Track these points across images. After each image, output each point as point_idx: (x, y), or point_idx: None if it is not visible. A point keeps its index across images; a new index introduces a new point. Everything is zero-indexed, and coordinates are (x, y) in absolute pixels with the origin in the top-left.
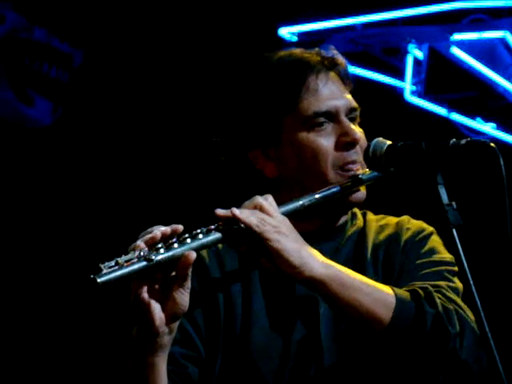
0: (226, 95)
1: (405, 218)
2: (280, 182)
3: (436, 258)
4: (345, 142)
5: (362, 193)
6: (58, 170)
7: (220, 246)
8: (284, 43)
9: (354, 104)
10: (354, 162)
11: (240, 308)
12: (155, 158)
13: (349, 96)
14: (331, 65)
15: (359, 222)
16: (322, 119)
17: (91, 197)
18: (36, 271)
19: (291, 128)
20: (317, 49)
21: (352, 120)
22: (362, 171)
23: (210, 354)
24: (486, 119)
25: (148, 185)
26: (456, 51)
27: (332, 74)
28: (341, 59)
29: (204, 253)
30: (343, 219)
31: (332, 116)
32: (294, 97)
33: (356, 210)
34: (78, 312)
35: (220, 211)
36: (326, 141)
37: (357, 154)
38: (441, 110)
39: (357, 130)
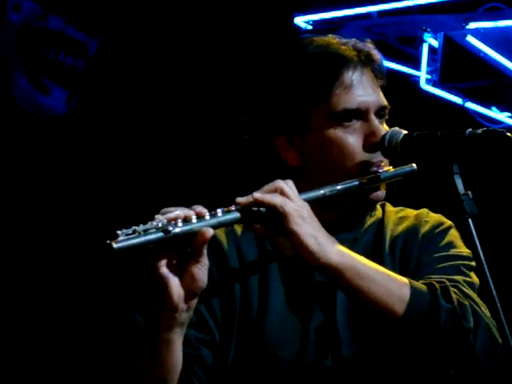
0: (258, 78)
1: (424, 210)
2: (301, 171)
3: (453, 252)
4: (372, 143)
5: (381, 192)
6: (73, 159)
7: (239, 234)
8: (299, 32)
9: (385, 102)
10: (379, 165)
11: (256, 295)
12: (169, 147)
13: (380, 94)
14: (367, 60)
15: (378, 213)
16: (351, 116)
17: (106, 183)
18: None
19: (319, 120)
20: (354, 40)
21: (380, 117)
22: (385, 169)
23: (225, 339)
24: (502, 108)
25: (163, 172)
26: (471, 40)
27: (367, 70)
28: (377, 55)
29: (223, 240)
30: (366, 213)
31: (362, 114)
32: (326, 90)
33: (377, 204)
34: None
35: (240, 199)
36: (353, 138)
37: (380, 154)
38: (456, 99)
39: (384, 129)
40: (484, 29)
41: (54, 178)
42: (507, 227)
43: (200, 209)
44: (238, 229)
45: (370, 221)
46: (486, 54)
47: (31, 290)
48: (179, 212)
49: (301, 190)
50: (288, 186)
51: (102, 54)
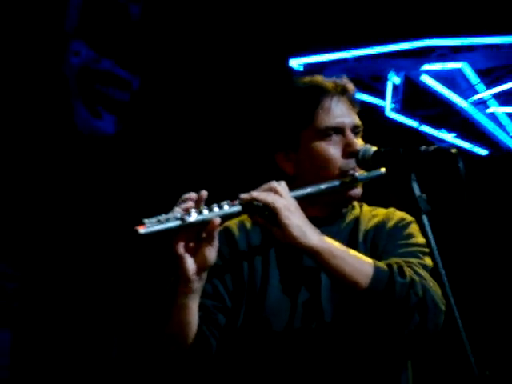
0: (261, 109)
1: (391, 209)
2: (296, 178)
3: (412, 241)
4: (348, 152)
5: (358, 189)
6: (120, 171)
7: (248, 226)
8: (293, 72)
9: (358, 122)
10: (354, 168)
11: (260, 274)
12: (193, 160)
13: (354, 115)
14: (343, 90)
15: (356, 211)
16: (331, 132)
17: (147, 190)
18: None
19: (307, 138)
20: (333, 77)
21: (356, 134)
22: (359, 172)
23: (235, 307)
24: (449, 130)
25: (186, 176)
26: (425, 78)
27: (343, 98)
28: (351, 87)
29: (235, 230)
30: (344, 209)
31: (340, 130)
32: (311, 114)
33: (355, 202)
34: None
35: (242, 195)
36: (333, 149)
37: (354, 162)
38: (413, 123)
39: (358, 143)
40: (434, 70)
41: (104, 185)
42: (453, 222)
43: (202, 192)
44: (248, 222)
45: (349, 217)
46: (436, 90)
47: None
48: (193, 203)
49: (292, 190)
50: (280, 186)
51: (142, 88)
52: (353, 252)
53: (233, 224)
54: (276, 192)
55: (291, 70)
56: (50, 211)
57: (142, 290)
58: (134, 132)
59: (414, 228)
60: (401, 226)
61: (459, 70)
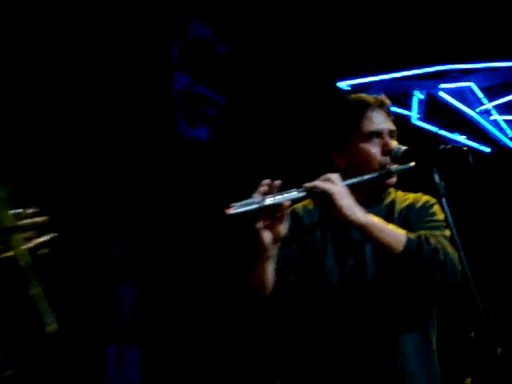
0: (320, 120)
1: (419, 194)
2: (346, 171)
3: (435, 217)
4: (385, 150)
5: (393, 179)
6: (211, 167)
7: (310, 207)
8: (341, 91)
9: (393, 128)
10: (389, 163)
11: (319, 243)
12: (268, 159)
13: (390, 123)
14: (381, 104)
15: (392, 195)
16: (373, 136)
17: (232, 181)
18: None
19: (355, 140)
20: (374, 94)
21: (391, 137)
22: (394, 166)
23: (301, 269)
24: (460, 133)
25: (264, 171)
26: (442, 94)
27: (381, 109)
28: (386, 101)
29: (300, 212)
30: (383, 194)
31: (379, 134)
32: (357, 122)
33: (392, 189)
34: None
35: (306, 184)
36: (374, 149)
37: (392, 158)
38: (433, 129)
39: (393, 144)
40: (449, 88)
41: (199, 178)
42: (465, 204)
43: (277, 182)
44: (310, 205)
45: (387, 200)
46: (451, 103)
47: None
48: (268, 190)
49: (344, 180)
50: (335, 176)
51: (227, 105)
52: (390, 226)
53: (298, 206)
54: (331, 181)
55: (340, 89)
56: (161, 197)
57: (230, 258)
58: (221, 138)
59: (436, 208)
60: (426, 206)
61: (468, 88)
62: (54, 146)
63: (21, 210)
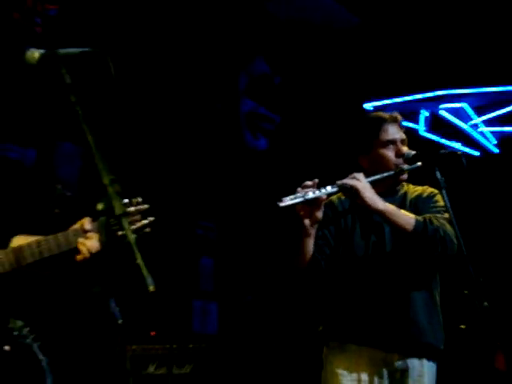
0: (351, 132)
1: (425, 187)
2: (369, 170)
3: (437, 204)
4: (398, 154)
5: (405, 176)
6: (270, 171)
7: (342, 198)
8: (366, 110)
9: (404, 137)
10: (402, 163)
11: (349, 224)
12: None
13: (402, 133)
14: (394, 119)
15: (405, 188)
16: (389, 143)
17: (286, 180)
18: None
19: (375, 146)
20: (390, 112)
21: (403, 144)
22: (405, 166)
23: (336, 245)
24: (456, 141)
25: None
26: (442, 112)
27: (395, 124)
28: (399, 117)
29: (336, 202)
30: (398, 187)
31: (393, 142)
32: (377, 133)
33: (404, 183)
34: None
35: (338, 181)
36: (390, 153)
37: (403, 160)
38: (436, 138)
39: (405, 149)
40: (447, 107)
41: (261, 179)
42: (460, 194)
43: (314, 180)
44: (342, 197)
45: (401, 192)
46: (448, 119)
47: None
48: (309, 183)
49: (367, 177)
50: (360, 175)
51: (282, 122)
52: (403, 211)
53: (334, 198)
54: (357, 179)
55: (365, 109)
56: (232, 191)
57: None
58: (277, 147)
59: (438, 197)
60: (431, 196)
61: (461, 108)
62: (155, 154)
63: (127, 201)
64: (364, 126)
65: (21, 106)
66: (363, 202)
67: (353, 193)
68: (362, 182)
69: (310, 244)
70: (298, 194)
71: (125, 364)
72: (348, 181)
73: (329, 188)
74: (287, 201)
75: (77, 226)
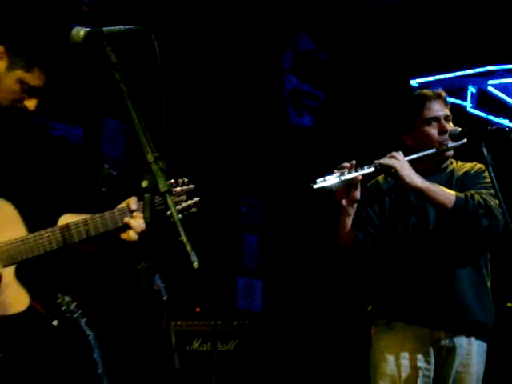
0: (396, 110)
1: (474, 163)
2: (414, 148)
3: (484, 181)
4: (442, 131)
5: (450, 152)
6: (313, 149)
7: (389, 179)
8: (411, 87)
9: (449, 113)
10: (446, 140)
11: (394, 203)
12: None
13: (446, 110)
14: (438, 96)
15: (453, 165)
16: (432, 120)
17: (326, 160)
18: None
19: (419, 124)
20: (437, 89)
21: (447, 121)
22: (450, 143)
23: (381, 223)
24: (504, 117)
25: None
26: (490, 88)
27: (439, 100)
28: (443, 93)
29: (381, 181)
30: (445, 164)
31: (437, 118)
32: (420, 110)
33: (452, 159)
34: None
35: (377, 161)
36: (433, 130)
37: (448, 136)
38: (483, 114)
39: (449, 126)
40: (496, 84)
41: (301, 158)
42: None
43: (352, 162)
44: (388, 177)
45: (448, 168)
46: (496, 95)
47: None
48: (346, 165)
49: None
50: (398, 153)
51: (326, 99)
52: (441, 187)
53: (380, 178)
54: (395, 157)
55: (411, 86)
56: (276, 170)
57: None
58: (322, 124)
59: (485, 174)
60: (478, 172)
61: (510, 83)
62: (201, 132)
63: (173, 181)
64: (407, 104)
65: (66, 83)
66: (401, 180)
67: (391, 172)
68: (399, 161)
69: (349, 223)
70: (333, 175)
71: (170, 340)
72: (385, 160)
73: (366, 168)
74: (320, 182)
75: (123, 205)
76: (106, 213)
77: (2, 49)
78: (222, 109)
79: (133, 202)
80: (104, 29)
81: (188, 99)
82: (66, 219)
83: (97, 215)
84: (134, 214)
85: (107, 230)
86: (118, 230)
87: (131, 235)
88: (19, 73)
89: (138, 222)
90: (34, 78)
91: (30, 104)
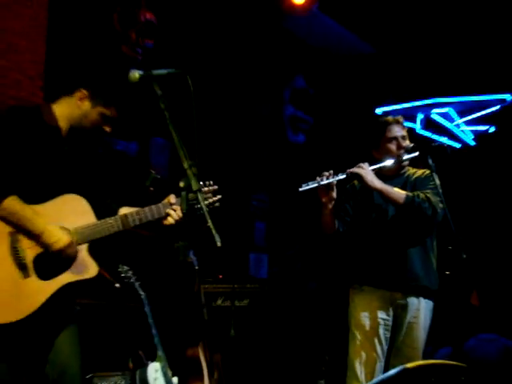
0: (365, 132)
1: (424, 169)
2: (379, 159)
3: (430, 183)
4: (400, 147)
5: (406, 162)
6: (307, 160)
7: (357, 182)
8: (376, 114)
9: (405, 134)
10: (403, 153)
11: (361, 198)
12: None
13: (403, 131)
14: (397, 121)
15: (409, 171)
16: (392, 139)
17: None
18: None
19: (383, 142)
20: (394, 115)
21: (403, 139)
22: (406, 155)
23: (354, 214)
24: (444, 136)
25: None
26: (434, 115)
27: (397, 124)
28: (401, 119)
29: (356, 183)
30: (402, 170)
31: (396, 138)
32: (384, 131)
33: (409, 167)
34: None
35: (348, 170)
36: (393, 146)
37: (403, 151)
38: (428, 134)
39: (406, 143)
40: (438, 112)
41: (298, 168)
42: (445, 176)
43: (330, 171)
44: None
45: (405, 174)
46: (438, 120)
47: None
48: (325, 173)
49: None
50: (364, 164)
51: (315, 123)
52: (396, 189)
53: (355, 182)
54: (361, 167)
55: (376, 114)
56: (277, 175)
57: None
58: (312, 142)
59: (432, 178)
60: (427, 177)
61: (447, 112)
62: (222, 147)
63: (202, 183)
64: (374, 127)
65: (125, 110)
66: (365, 183)
67: (358, 177)
68: (364, 169)
69: (329, 215)
70: (315, 181)
71: (200, 298)
72: (354, 169)
73: (340, 175)
74: (305, 186)
75: (165, 200)
76: (153, 206)
77: (87, 92)
78: (238, 129)
79: (172, 198)
80: (153, 71)
81: (213, 122)
82: (123, 210)
83: (146, 208)
84: (174, 206)
85: (154, 218)
86: (161, 218)
87: (171, 221)
88: (100, 108)
89: (176, 213)
90: (110, 112)
91: (108, 129)
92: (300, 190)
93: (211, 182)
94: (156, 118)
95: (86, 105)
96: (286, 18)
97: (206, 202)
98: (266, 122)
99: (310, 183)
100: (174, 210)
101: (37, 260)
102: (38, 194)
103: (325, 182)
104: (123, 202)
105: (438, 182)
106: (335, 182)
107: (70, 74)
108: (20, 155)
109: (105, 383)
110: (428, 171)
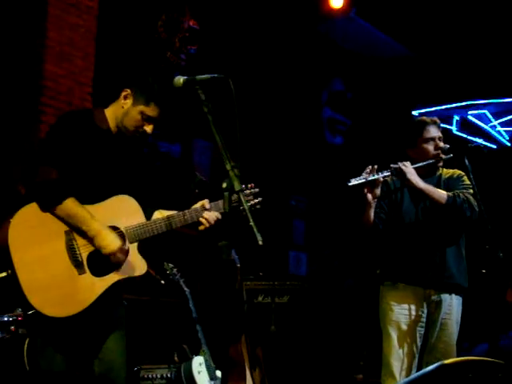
0: (403, 133)
1: (456, 170)
2: (415, 159)
3: (465, 183)
4: (437, 147)
5: (441, 163)
6: (344, 160)
7: (394, 179)
8: (413, 116)
9: (441, 135)
10: (440, 154)
11: (399, 197)
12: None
13: (439, 132)
14: (434, 122)
15: (440, 171)
16: (429, 139)
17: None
18: None
19: (420, 142)
20: (431, 117)
21: (440, 140)
22: (442, 156)
23: (389, 211)
24: (479, 137)
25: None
26: (470, 117)
27: (434, 125)
28: (437, 120)
29: (390, 181)
30: (437, 172)
31: (433, 138)
32: (421, 132)
33: (441, 168)
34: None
35: (392, 165)
36: (430, 147)
37: (440, 151)
38: (464, 135)
39: (441, 144)
40: (473, 113)
41: (336, 168)
42: (484, 177)
43: (374, 167)
44: (395, 178)
45: (437, 173)
46: (474, 121)
47: None
48: (369, 169)
49: (413, 165)
50: (407, 163)
51: (352, 125)
52: (437, 189)
53: (389, 179)
54: (405, 165)
55: (413, 115)
56: (317, 175)
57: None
58: (350, 144)
59: (465, 178)
60: (460, 176)
61: (484, 113)
62: (265, 148)
63: (244, 186)
64: (411, 127)
65: (170, 114)
66: (409, 182)
67: (402, 175)
68: (408, 168)
69: (372, 212)
70: (362, 176)
71: (242, 295)
72: (399, 165)
73: (384, 172)
74: (353, 181)
75: (199, 205)
76: (192, 209)
77: (130, 91)
78: (278, 131)
79: (206, 203)
80: (197, 77)
81: (256, 125)
82: (160, 214)
83: (186, 211)
84: (205, 214)
85: (193, 221)
86: (197, 222)
87: (206, 226)
88: (141, 107)
89: (211, 216)
90: (150, 110)
91: (148, 129)
92: (349, 184)
93: (253, 185)
94: (198, 119)
95: (128, 103)
96: (323, 24)
97: (248, 204)
98: (304, 124)
99: (357, 178)
100: (208, 214)
101: (90, 258)
102: (92, 195)
103: (372, 177)
104: (159, 204)
105: (473, 181)
106: (381, 179)
107: (118, 79)
108: (75, 157)
109: (151, 375)
110: (459, 171)
